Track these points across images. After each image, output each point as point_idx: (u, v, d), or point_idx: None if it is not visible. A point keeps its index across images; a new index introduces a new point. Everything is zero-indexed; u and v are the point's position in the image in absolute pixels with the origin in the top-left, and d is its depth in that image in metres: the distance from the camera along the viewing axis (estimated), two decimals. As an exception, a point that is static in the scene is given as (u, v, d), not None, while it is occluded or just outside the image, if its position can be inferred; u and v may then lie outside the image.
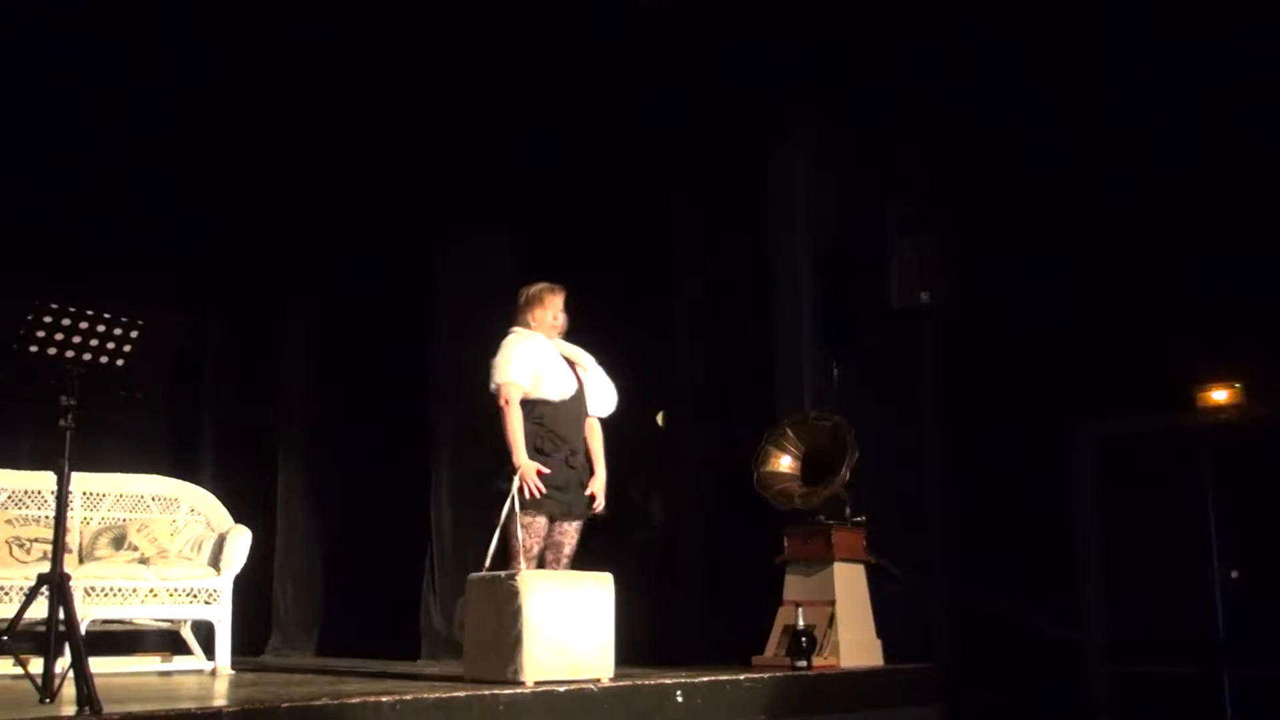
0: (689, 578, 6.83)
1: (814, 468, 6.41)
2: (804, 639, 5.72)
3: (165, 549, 6.30)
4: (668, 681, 4.86)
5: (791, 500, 6.27)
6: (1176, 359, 6.80)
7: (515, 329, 5.37)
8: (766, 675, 5.29)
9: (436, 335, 7.49)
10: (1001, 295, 7.42)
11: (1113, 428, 7.11)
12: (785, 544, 6.25)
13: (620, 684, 4.73)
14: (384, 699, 4.03)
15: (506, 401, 5.13)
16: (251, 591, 6.88)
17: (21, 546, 6.00)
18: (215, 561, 6.17)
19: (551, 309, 5.40)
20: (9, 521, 6.16)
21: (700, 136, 7.24)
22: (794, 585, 6.16)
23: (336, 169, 8.19)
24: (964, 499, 7.42)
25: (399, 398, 7.70)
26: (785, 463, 6.49)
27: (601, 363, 5.45)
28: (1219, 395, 6.71)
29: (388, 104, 7.88)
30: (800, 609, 5.89)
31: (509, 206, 7.68)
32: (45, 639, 3.99)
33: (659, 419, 7.35)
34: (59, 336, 4.16)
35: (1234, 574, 6.66)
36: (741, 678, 5.11)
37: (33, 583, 4.08)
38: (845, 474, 6.16)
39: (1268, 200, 6.68)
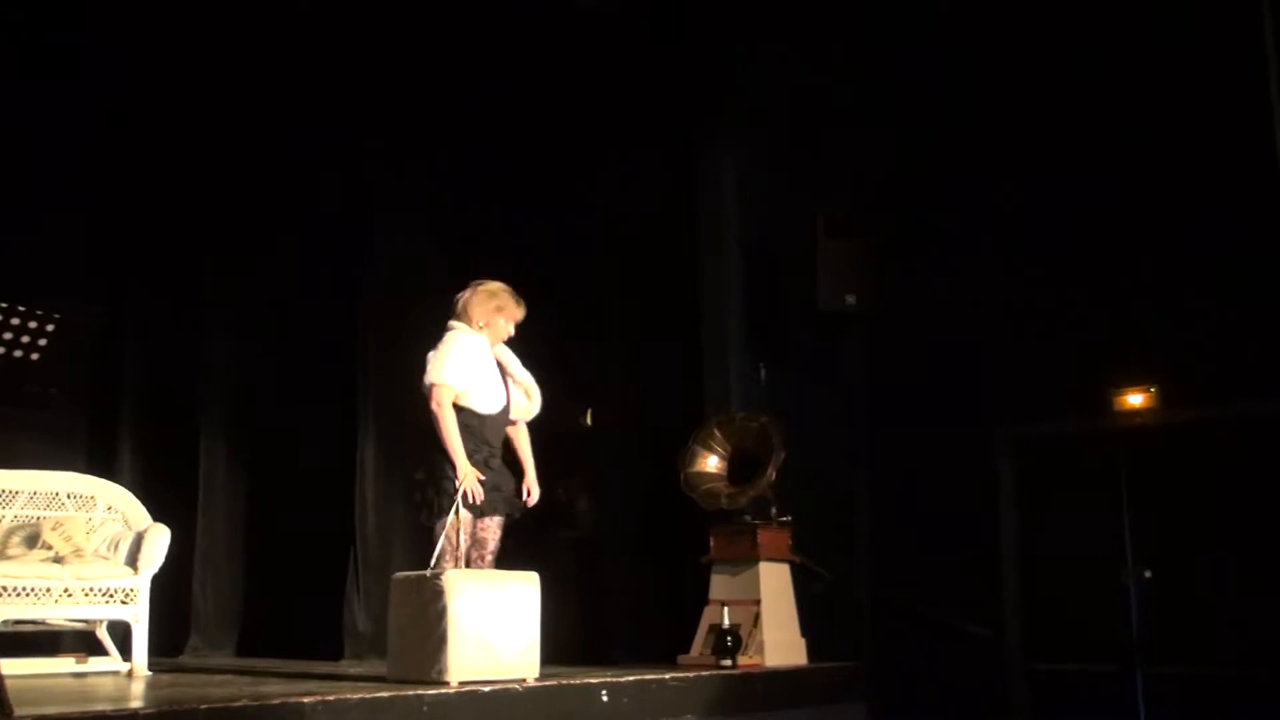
0: (615, 577, 6.84)
1: (741, 468, 6.45)
2: (729, 638, 5.76)
3: (81, 548, 6.15)
4: (593, 681, 4.86)
5: (718, 500, 6.30)
6: (1094, 363, 6.95)
7: (459, 325, 5.19)
8: (692, 674, 5.31)
9: (362, 333, 7.41)
10: (926, 299, 7.54)
11: (1033, 430, 7.25)
12: (711, 543, 6.29)
13: (545, 683, 4.72)
14: (306, 700, 3.98)
15: (439, 404, 5.00)
16: (170, 591, 6.76)
17: (-71, 546, 5.84)
18: (133, 560, 6.04)
19: (509, 318, 5.26)
20: (-84, 520, 5.99)
21: (629, 136, 7.25)
22: (720, 585, 6.20)
23: (256, 170, 8.07)
24: (888, 499, 7.53)
25: (323, 397, 7.61)
26: (712, 463, 6.53)
27: (528, 361, 5.40)
28: (1134, 399, 6.87)
29: (312, 92, 7.77)
30: (726, 608, 5.92)
31: (437, 202, 7.63)
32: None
33: (586, 418, 7.35)
34: (-29, 332, 4.06)
35: (1147, 574, 6.83)
36: (667, 677, 5.13)
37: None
38: (771, 474, 6.21)
39: (1180, 209, 6.86)
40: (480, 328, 5.21)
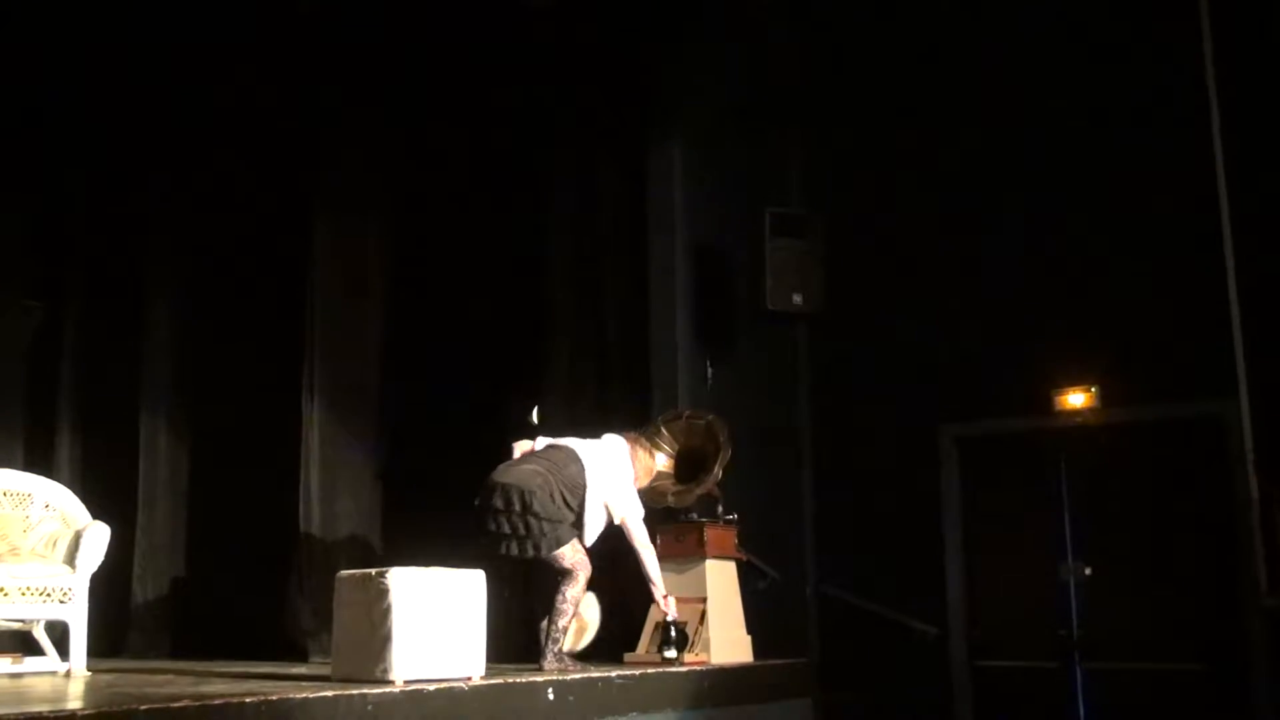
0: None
1: (687, 466, 6.46)
2: (675, 635, 5.77)
3: (17, 546, 6.04)
4: (539, 679, 4.86)
5: (664, 498, 6.31)
6: (1037, 363, 7.06)
7: (629, 451, 5.78)
8: (638, 672, 5.32)
9: (308, 328, 7.32)
10: (872, 298, 7.61)
11: (976, 429, 7.35)
12: (658, 541, 6.28)
13: (491, 682, 4.71)
14: (248, 699, 3.94)
15: (646, 537, 5.70)
16: (109, 589, 6.66)
17: None
18: (71, 559, 5.94)
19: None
20: None
21: (578, 134, 7.24)
22: (666, 582, 6.20)
23: (199, 154, 7.96)
24: (834, 498, 7.60)
25: (267, 391, 7.52)
26: (659, 460, 6.52)
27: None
28: (1075, 399, 6.98)
29: (260, 88, 7.68)
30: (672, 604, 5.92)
31: (383, 198, 7.56)
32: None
33: (533, 415, 7.33)
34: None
35: (1087, 571, 6.94)
36: (613, 674, 5.13)
37: None
38: (718, 472, 6.23)
39: (1121, 212, 6.98)
40: (637, 460, 5.79)
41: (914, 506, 7.37)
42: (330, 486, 7.18)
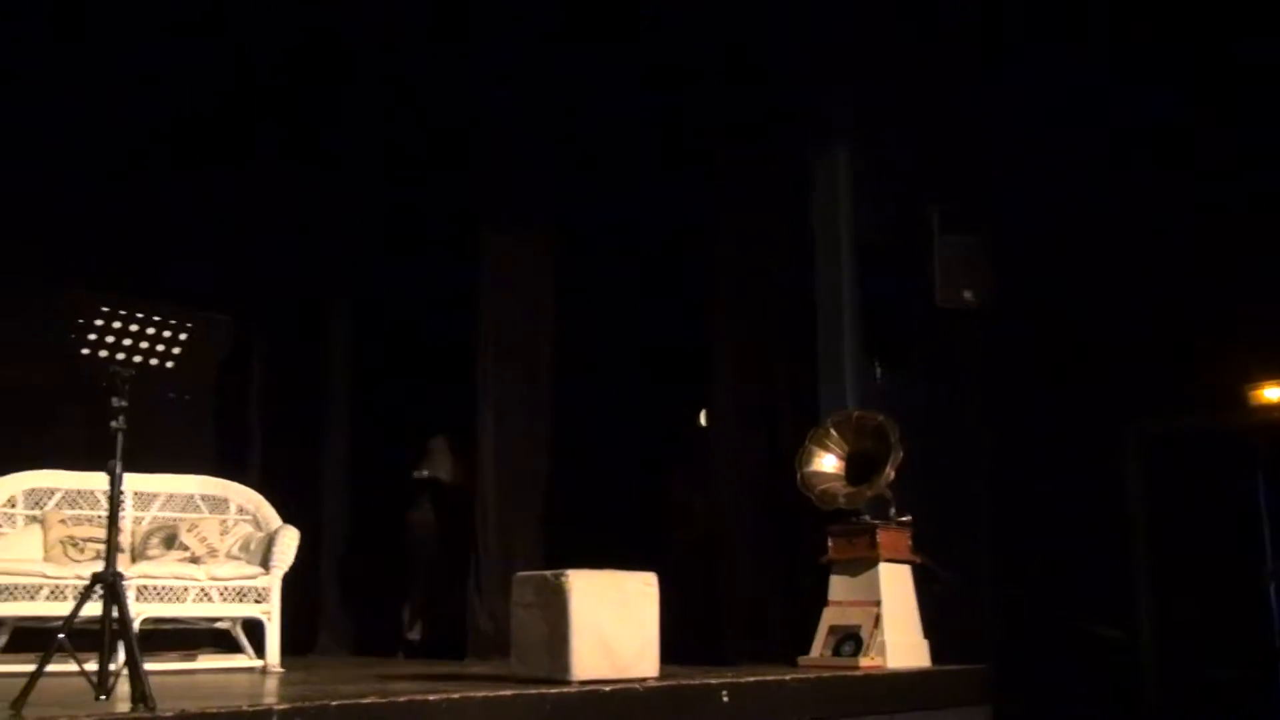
0: (733, 578, 6.81)
1: (858, 467, 6.38)
2: (850, 640, 5.70)
3: (215, 548, 6.37)
4: (713, 682, 4.85)
5: (836, 500, 6.24)
6: (1228, 357, 6.72)
7: None
8: (813, 675, 5.27)
9: (481, 334, 7.52)
10: (1049, 293, 7.37)
11: (1163, 427, 7.04)
12: (830, 544, 6.23)
13: (666, 683, 4.73)
14: (431, 698, 4.06)
15: None
16: (300, 590, 6.93)
17: (75, 546, 6.09)
18: (264, 560, 6.23)
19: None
20: (63, 521, 6.25)
21: (742, 136, 7.23)
22: (839, 586, 6.14)
23: (376, 171, 8.24)
24: (1011, 498, 7.38)
25: (443, 399, 7.73)
26: (829, 463, 6.47)
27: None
28: (1271, 394, 6.63)
29: (428, 102, 7.91)
30: (846, 609, 5.86)
31: (551, 206, 7.70)
32: (100, 637, 4.05)
33: (701, 418, 7.34)
34: (110, 339, 4.22)
35: (1288, 574, 6.58)
36: (787, 678, 5.10)
37: (87, 582, 4.14)
38: (890, 473, 6.13)
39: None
40: None
41: (1097, 507, 7.11)
42: (505, 490, 7.34)
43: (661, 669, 4.87)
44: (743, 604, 6.69)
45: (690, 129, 7.32)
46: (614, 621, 4.76)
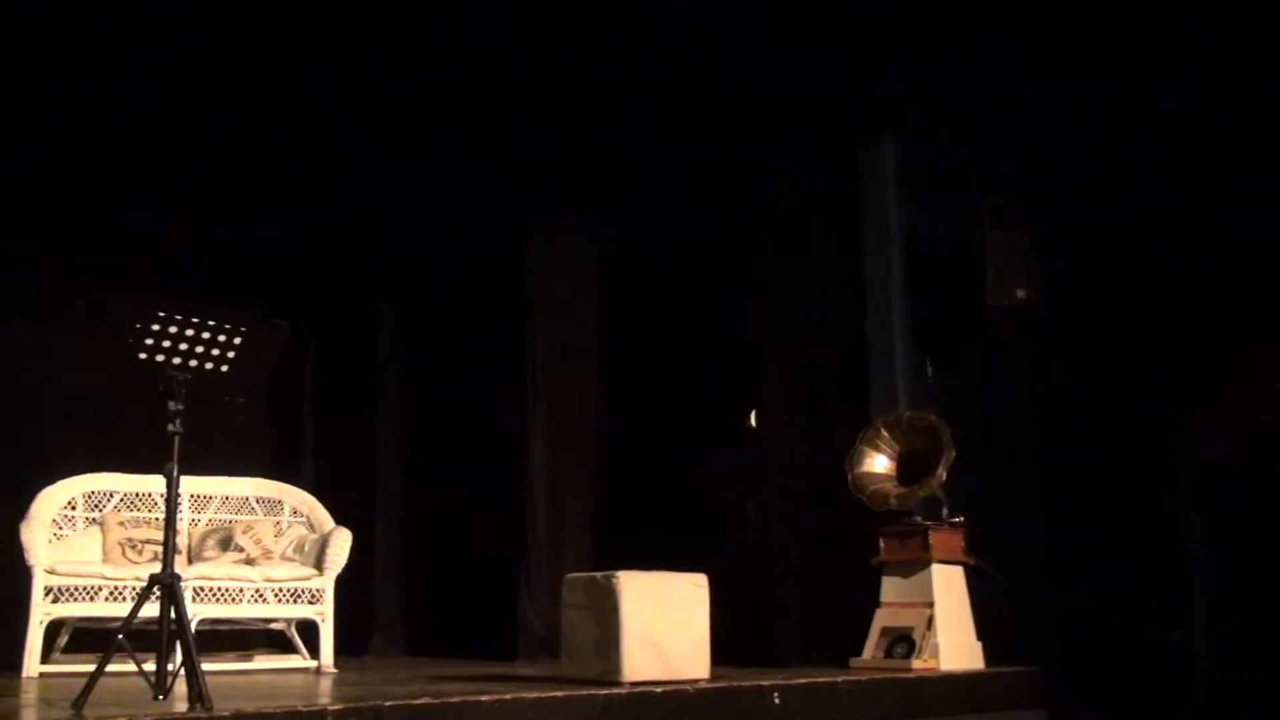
0: (784, 579, 6.80)
1: (910, 468, 6.33)
2: (903, 641, 5.66)
3: (270, 550, 6.44)
4: (764, 683, 4.84)
5: (887, 501, 6.20)
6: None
7: None
8: (865, 678, 5.24)
9: (531, 338, 7.56)
10: (1101, 290, 7.27)
11: (1218, 425, 6.92)
12: (881, 545, 6.19)
13: (716, 685, 4.73)
14: (483, 698, 4.08)
15: None
16: (353, 591, 7.00)
17: (134, 548, 6.19)
18: (318, 562, 6.29)
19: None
20: (121, 523, 6.35)
21: (789, 134, 7.20)
22: (891, 587, 6.10)
23: (426, 176, 8.30)
24: (1065, 498, 7.28)
25: (494, 399, 7.77)
26: (880, 463, 6.42)
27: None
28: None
29: (478, 105, 7.96)
30: (898, 611, 5.82)
31: (598, 207, 7.72)
32: (158, 638, 4.11)
33: (751, 418, 7.33)
34: (166, 344, 4.28)
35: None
36: (839, 680, 5.07)
37: (145, 583, 4.20)
38: (941, 474, 6.08)
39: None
40: None
41: (1151, 507, 7.00)
42: (555, 493, 7.37)
43: (712, 670, 4.86)
44: (793, 605, 6.68)
45: (736, 128, 7.31)
46: (664, 622, 4.77)
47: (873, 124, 6.98)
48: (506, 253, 7.81)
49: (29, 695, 4.68)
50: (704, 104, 7.38)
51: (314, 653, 6.22)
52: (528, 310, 7.60)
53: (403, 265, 8.48)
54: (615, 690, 4.44)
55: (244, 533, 6.51)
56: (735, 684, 4.82)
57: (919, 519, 6.16)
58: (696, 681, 4.69)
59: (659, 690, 4.50)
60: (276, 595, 6.12)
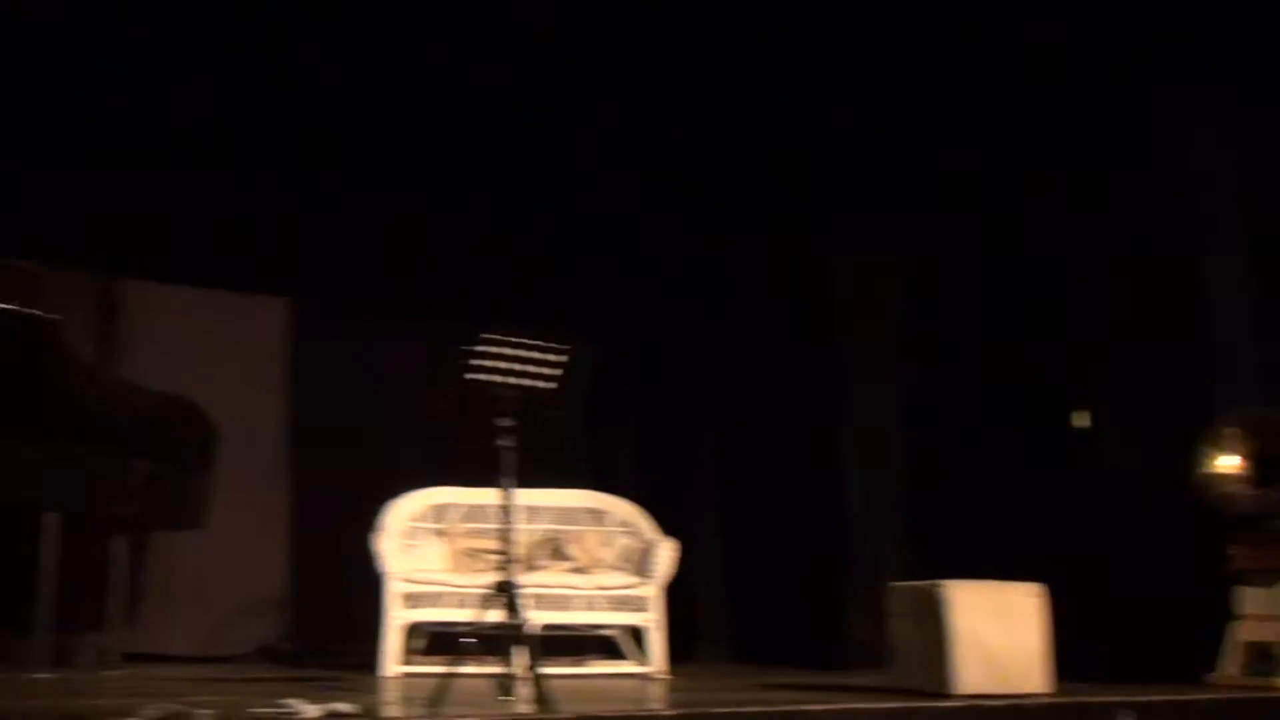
0: (1124, 588, 6.40)
1: (1264, 469, 5.82)
2: (1266, 657, 5.21)
3: (598, 559, 6.68)
4: (1111, 699, 4.56)
5: (1239, 504, 5.73)
6: None
7: None
8: (1223, 696, 4.85)
9: (841, 340, 7.51)
10: None
11: None
12: (1234, 553, 5.72)
13: (1058, 699, 4.50)
14: (813, 707, 4.06)
15: None
16: (676, 599, 7.15)
17: (474, 557, 6.57)
18: (644, 571, 6.47)
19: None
20: (463, 534, 6.76)
21: (1118, 128, 6.80)
22: (1249, 598, 5.62)
23: (724, 191, 8.40)
24: None
25: (803, 406, 7.76)
26: (1229, 463, 5.94)
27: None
28: None
29: (770, 133, 7.98)
30: (1258, 624, 5.37)
31: (901, 224, 7.59)
32: (501, 642, 4.35)
33: (1081, 419, 6.97)
34: (496, 364, 4.54)
35: None
36: (1196, 697, 4.72)
37: (487, 590, 4.44)
38: (1302, 474, 5.57)
39: None
40: None
41: None
42: (872, 498, 7.28)
43: (1059, 685, 4.64)
44: (1135, 616, 6.27)
45: (1060, 129, 6.97)
46: (997, 634, 4.60)
47: (1206, 110, 6.50)
48: (811, 253, 7.80)
49: (391, 694, 5.04)
50: (1025, 108, 7.09)
51: (643, 659, 6.38)
52: (836, 312, 7.56)
53: (713, 280, 8.62)
54: (950, 703, 4.31)
55: (574, 542, 6.78)
56: (1078, 699, 4.58)
57: (1278, 523, 5.65)
58: (1036, 696, 4.49)
59: (995, 704, 4.34)
60: (606, 603, 6.33)
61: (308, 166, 8.25)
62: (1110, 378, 6.72)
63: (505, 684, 4.26)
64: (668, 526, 6.91)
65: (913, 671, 4.74)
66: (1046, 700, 4.46)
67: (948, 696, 4.44)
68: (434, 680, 4.24)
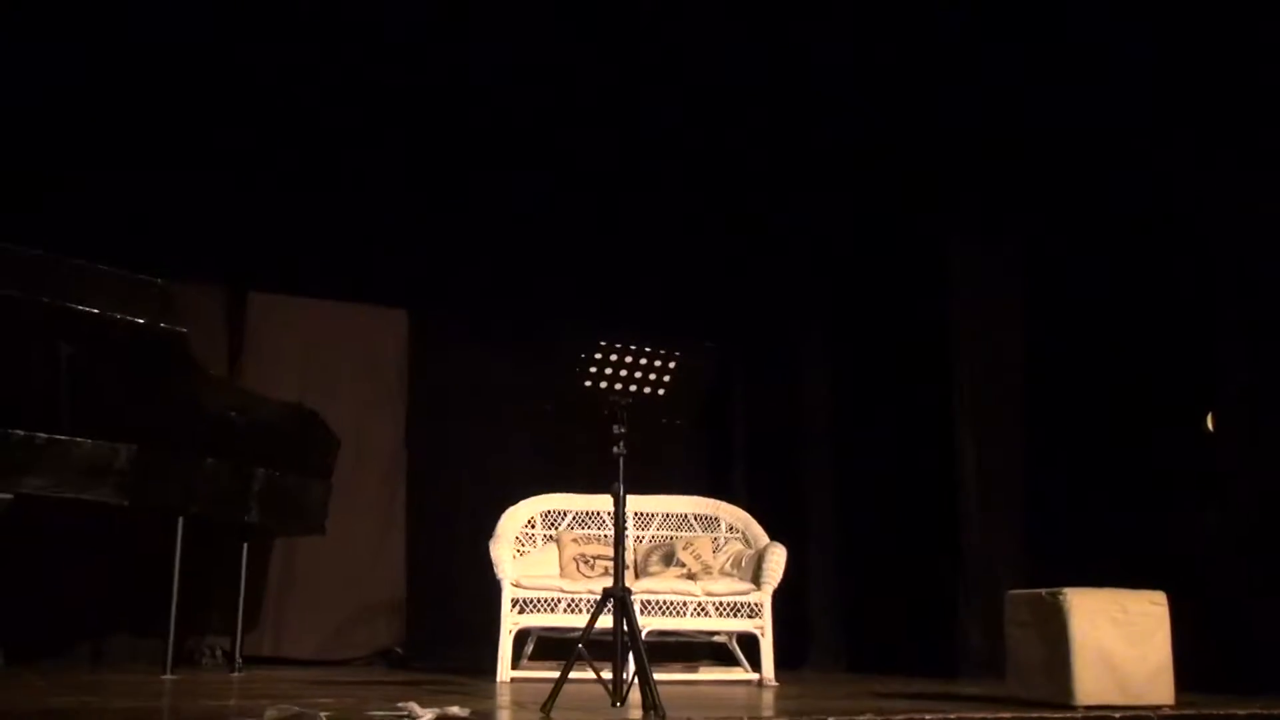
0: (1252, 597, 6.16)
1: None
2: None
3: (709, 565, 6.67)
4: (1240, 713, 4.41)
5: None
6: None
7: None
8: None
9: (953, 354, 7.39)
10: None
11: None
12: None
13: (1184, 712, 4.36)
14: (927, 716, 4.00)
15: None
16: (788, 606, 7.11)
17: (586, 563, 6.62)
18: (754, 577, 6.44)
19: None
20: (575, 540, 6.81)
21: (1237, 108, 6.57)
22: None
23: (837, 198, 8.35)
24: None
25: (916, 412, 7.66)
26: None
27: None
28: None
29: (895, 134, 7.91)
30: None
31: (1016, 226, 7.45)
32: (613, 648, 4.37)
33: (1207, 421, 6.74)
34: (609, 371, 4.59)
35: None
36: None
37: (599, 596, 4.48)
38: None
39: None
40: None
41: None
42: (988, 504, 7.14)
43: (1178, 696, 4.50)
44: (1264, 625, 6.03)
45: (1169, 112, 6.77)
46: (1119, 643, 4.47)
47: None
48: (926, 261, 7.69)
49: (503, 698, 5.11)
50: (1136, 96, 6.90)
51: (755, 666, 6.36)
52: (952, 316, 7.44)
53: (824, 284, 8.57)
54: (1069, 715, 4.21)
55: (685, 548, 6.78)
56: (1207, 712, 4.42)
57: None
58: (1160, 708, 4.36)
59: (1118, 715, 4.22)
60: (717, 609, 6.32)
61: (429, 184, 8.50)
62: (1238, 380, 6.48)
63: (616, 690, 4.28)
64: (779, 532, 6.87)
65: (1032, 681, 4.64)
66: (1170, 712, 4.32)
67: (1068, 708, 4.34)
68: (546, 685, 4.28)
